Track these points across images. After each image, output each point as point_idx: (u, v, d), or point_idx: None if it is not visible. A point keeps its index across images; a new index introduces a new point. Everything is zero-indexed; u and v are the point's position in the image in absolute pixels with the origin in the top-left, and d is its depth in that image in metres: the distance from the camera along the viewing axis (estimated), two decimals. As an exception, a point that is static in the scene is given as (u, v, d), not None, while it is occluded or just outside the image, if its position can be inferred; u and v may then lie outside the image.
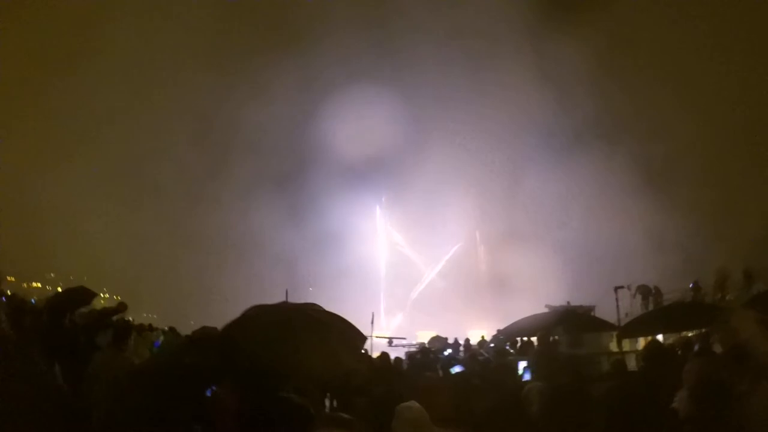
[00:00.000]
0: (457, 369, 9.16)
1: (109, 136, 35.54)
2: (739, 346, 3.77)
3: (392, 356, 9.42)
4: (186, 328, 10.38)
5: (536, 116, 34.42)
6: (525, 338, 13.79)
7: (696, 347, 7.53)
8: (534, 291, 25.36)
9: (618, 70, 31.90)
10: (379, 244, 40.84)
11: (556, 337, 11.36)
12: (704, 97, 28.18)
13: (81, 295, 7.48)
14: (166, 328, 14.69)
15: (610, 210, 30.43)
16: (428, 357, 12.22)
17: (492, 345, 16.15)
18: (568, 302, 20.60)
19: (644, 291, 20.10)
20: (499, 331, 17.42)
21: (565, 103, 33.96)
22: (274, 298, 4.55)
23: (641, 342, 12.00)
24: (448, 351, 16.67)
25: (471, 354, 13.23)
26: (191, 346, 3.16)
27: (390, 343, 24.92)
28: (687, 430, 3.89)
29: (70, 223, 33.76)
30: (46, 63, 34.34)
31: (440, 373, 9.29)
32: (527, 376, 8.51)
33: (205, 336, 3.21)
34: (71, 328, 6.85)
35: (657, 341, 9.37)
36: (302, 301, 4.34)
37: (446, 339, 19.46)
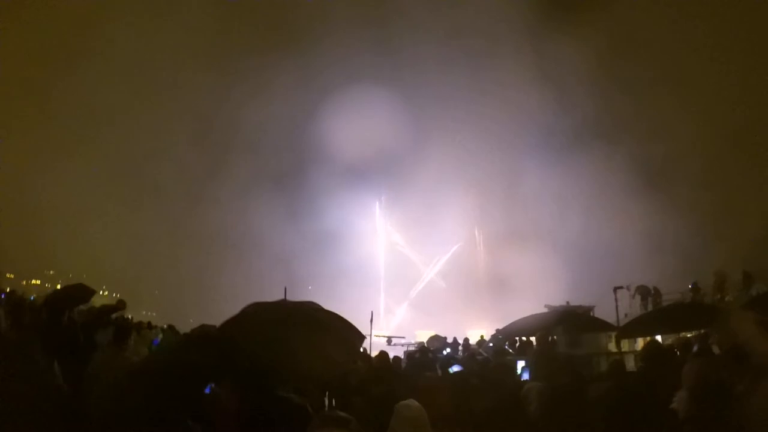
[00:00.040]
0: (455, 368, 9.14)
1: (109, 136, 35.58)
2: (739, 347, 3.76)
3: (391, 355, 9.42)
4: (185, 326, 10.40)
5: (536, 116, 34.43)
6: (524, 338, 13.80)
7: (695, 348, 7.55)
8: (533, 291, 25.37)
9: (618, 70, 31.87)
10: (379, 244, 40.85)
11: (555, 337, 11.35)
12: (704, 97, 28.18)
13: (80, 292, 7.49)
14: (165, 326, 14.71)
15: (610, 210, 30.43)
16: (427, 356, 12.20)
17: (491, 344, 16.15)
18: (568, 302, 20.63)
19: (643, 291, 20.10)
20: (498, 330, 17.41)
21: (565, 103, 34.00)
22: (273, 296, 4.55)
23: (640, 342, 12.01)
24: (447, 350, 16.66)
25: (470, 353, 13.23)
26: (190, 344, 3.16)
27: (389, 342, 24.96)
28: (686, 430, 3.89)
29: (70, 223, 33.78)
30: (46, 63, 34.39)
31: (439, 372, 9.28)
32: (526, 376, 8.52)
33: (203, 334, 3.21)
34: (70, 325, 6.85)
35: (656, 342, 9.38)
36: (301, 299, 4.34)
37: (445, 338, 19.44)
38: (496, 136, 35.43)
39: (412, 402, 3.55)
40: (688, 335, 9.41)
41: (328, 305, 4.07)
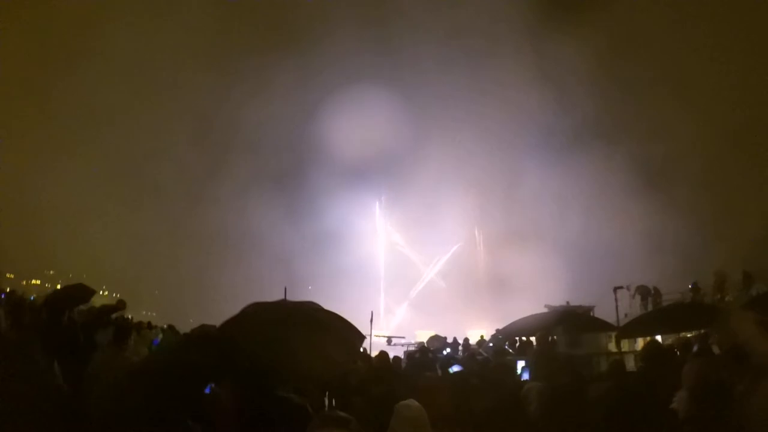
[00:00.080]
0: (455, 368, 9.14)
1: (109, 136, 35.58)
2: (739, 347, 3.76)
3: (391, 355, 9.42)
4: (185, 326, 10.39)
5: (536, 116, 34.43)
6: (524, 338, 13.80)
7: (695, 348, 7.54)
8: (533, 291, 25.36)
9: (618, 70, 31.87)
10: (379, 244, 40.86)
11: (555, 337, 11.35)
12: (704, 97, 28.17)
13: (80, 292, 7.49)
14: (165, 326, 14.71)
15: (610, 210, 30.42)
16: (427, 356, 12.19)
17: (491, 344, 16.15)
18: (568, 302, 20.62)
19: (643, 291, 20.10)
20: (498, 330, 17.41)
21: (565, 103, 33.99)
22: (273, 296, 4.55)
23: (640, 342, 12.01)
24: (447, 350, 16.66)
25: (470, 353, 13.23)
26: (190, 344, 3.16)
27: (389, 342, 24.95)
28: (686, 430, 3.89)
29: (70, 223, 33.81)
30: (46, 63, 34.40)
31: (439, 372, 9.28)
32: (526, 376, 8.52)
33: (203, 334, 3.21)
34: (70, 325, 6.85)
35: (656, 342, 9.38)
36: (301, 299, 4.34)
37: (445, 338, 19.44)
38: (496, 136, 35.47)
39: (412, 402, 3.55)
40: (688, 335, 9.41)
41: (328, 305, 4.07)
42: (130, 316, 15.55)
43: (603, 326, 13.90)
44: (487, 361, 9.82)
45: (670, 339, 10.86)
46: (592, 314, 17.05)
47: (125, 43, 34.43)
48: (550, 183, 34.09)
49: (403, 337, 26.67)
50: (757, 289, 12.80)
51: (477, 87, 35.49)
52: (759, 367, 3.51)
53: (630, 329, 11.89)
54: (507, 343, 14.57)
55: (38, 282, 48.30)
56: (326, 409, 7.26)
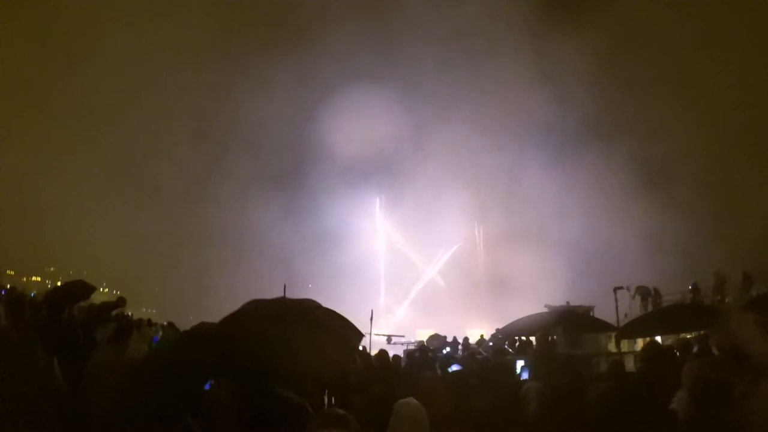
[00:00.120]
0: (455, 368, 9.15)
1: (109, 136, 35.58)
2: (738, 348, 3.76)
3: (391, 354, 9.42)
4: (185, 323, 10.40)
5: (536, 116, 34.45)
6: (524, 338, 13.81)
7: (695, 348, 7.55)
8: (533, 291, 25.39)
9: (618, 70, 31.90)
10: (379, 243, 40.86)
11: (555, 337, 11.36)
12: (704, 97, 28.20)
13: (80, 289, 7.48)
14: (165, 324, 14.72)
15: (610, 210, 30.42)
16: (427, 355, 12.20)
17: (491, 344, 16.15)
18: (568, 302, 20.64)
19: (643, 292, 20.14)
20: (498, 330, 17.43)
21: (565, 103, 34.02)
22: (273, 295, 4.54)
23: (640, 343, 12.03)
24: (447, 350, 16.66)
25: (469, 353, 13.23)
26: (189, 341, 3.15)
27: (389, 341, 24.92)
28: (686, 431, 3.89)
29: (70, 221, 33.78)
30: (46, 63, 34.38)
31: (438, 371, 9.29)
32: (525, 376, 8.53)
33: (203, 331, 3.21)
34: (70, 322, 6.85)
35: (655, 342, 9.38)
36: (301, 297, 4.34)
37: (445, 337, 19.44)
38: (496, 135, 35.46)
39: (412, 401, 3.55)
40: (688, 336, 9.44)
41: (328, 305, 4.06)
42: (130, 314, 15.55)
43: (603, 326, 13.93)
44: (486, 361, 9.82)
45: (670, 339, 10.88)
46: (592, 314, 17.08)
47: (125, 43, 34.49)
48: (550, 183, 34.10)
49: (403, 336, 26.66)
50: (757, 289, 12.83)
51: (477, 87, 35.57)
52: (759, 368, 3.51)
53: (630, 330, 11.92)
54: (507, 342, 14.58)
55: (38, 279, 48.37)
56: (326, 407, 7.25)
